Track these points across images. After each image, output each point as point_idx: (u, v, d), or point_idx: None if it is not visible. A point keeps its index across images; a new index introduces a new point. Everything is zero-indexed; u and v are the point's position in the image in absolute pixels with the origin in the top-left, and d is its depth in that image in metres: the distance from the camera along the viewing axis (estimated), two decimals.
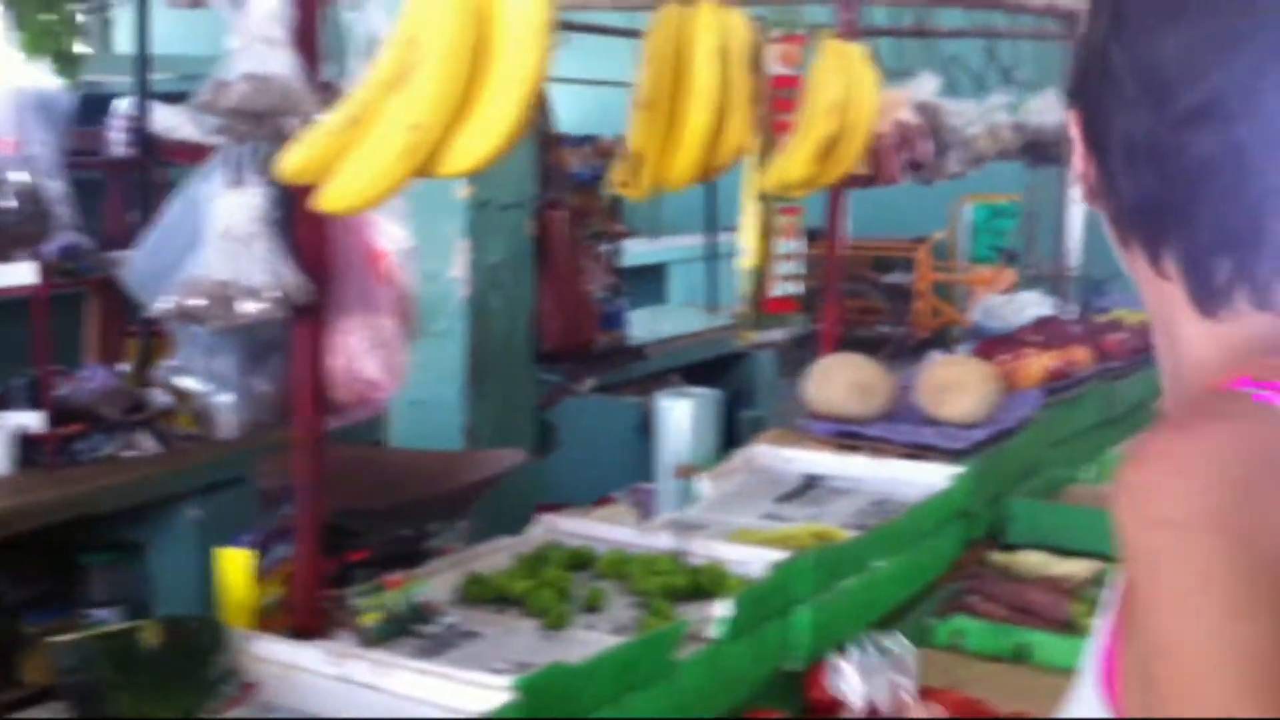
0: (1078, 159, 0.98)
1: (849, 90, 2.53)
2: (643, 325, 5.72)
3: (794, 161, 2.54)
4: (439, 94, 1.45)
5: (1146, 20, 0.90)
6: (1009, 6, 4.22)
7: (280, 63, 1.77)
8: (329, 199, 1.57)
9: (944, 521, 2.87)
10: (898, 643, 1.18)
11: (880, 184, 3.30)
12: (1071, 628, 2.65)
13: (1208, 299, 0.94)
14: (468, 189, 3.38)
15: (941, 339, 8.67)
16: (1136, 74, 0.91)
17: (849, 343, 9.88)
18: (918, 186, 4.04)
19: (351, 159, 1.49)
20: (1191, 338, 0.97)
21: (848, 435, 3.10)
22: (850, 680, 1.18)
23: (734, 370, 6.03)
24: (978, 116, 3.86)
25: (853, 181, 3.19)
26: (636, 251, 7.73)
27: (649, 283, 8.09)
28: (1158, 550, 0.84)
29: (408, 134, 1.46)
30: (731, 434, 3.88)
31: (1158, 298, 0.98)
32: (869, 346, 9.47)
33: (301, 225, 1.84)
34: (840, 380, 3.13)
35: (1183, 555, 0.83)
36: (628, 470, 3.47)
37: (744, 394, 5.92)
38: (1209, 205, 0.91)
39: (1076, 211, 7.32)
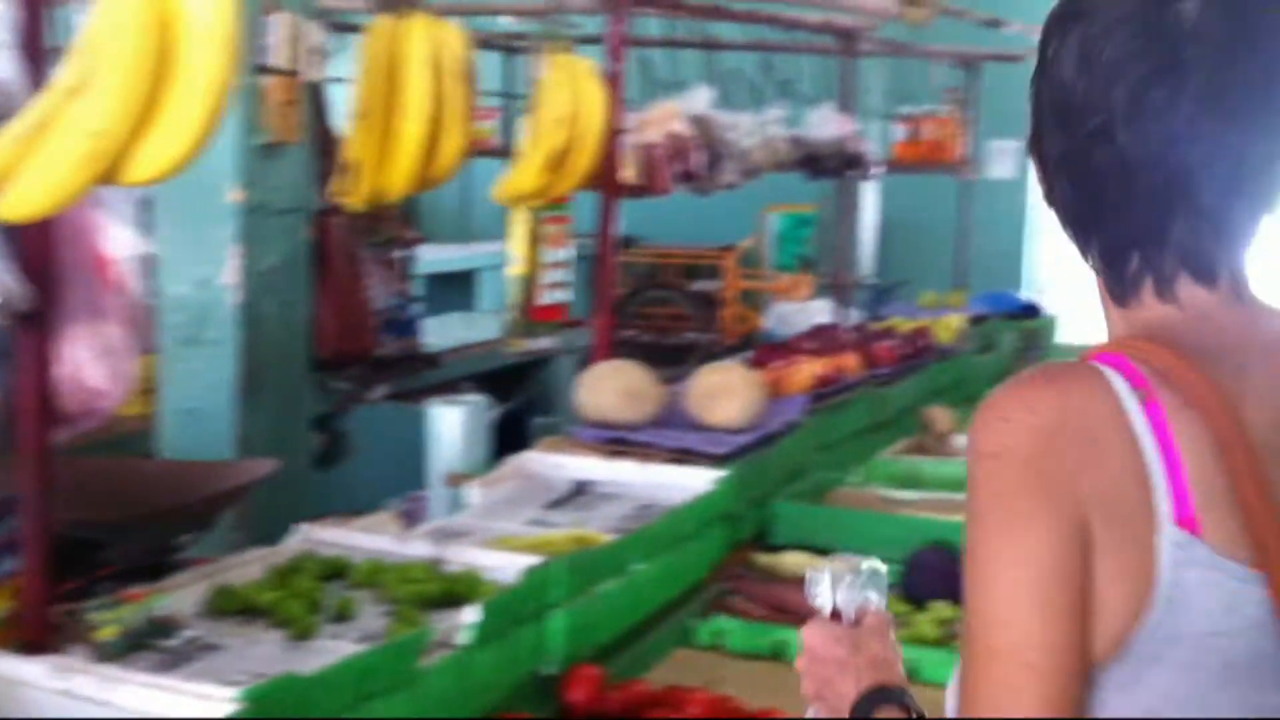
0: (1037, 175, 1.16)
1: (576, 103, 2.58)
2: (445, 332, 5.70)
3: (525, 173, 2.58)
4: (120, 100, 1.44)
5: (1058, 60, 1.09)
6: (785, 22, 4.34)
7: (3, 66, 1.73)
8: (9, 205, 1.54)
9: (707, 524, 2.94)
10: (873, 564, 1.30)
11: (653, 194, 3.36)
12: None
13: (1119, 289, 1.11)
14: (240, 193, 3.32)
15: (748, 345, 8.81)
16: (1053, 104, 1.10)
17: (657, 349, 9.99)
18: (729, 196, 4.12)
19: (32, 165, 1.47)
20: (1114, 321, 1.13)
21: (617, 441, 3.14)
22: (823, 590, 1.28)
23: (533, 377, 6.07)
24: (754, 129, 3.95)
25: (624, 191, 3.24)
26: (444, 258, 7.71)
27: (457, 289, 8.06)
28: (975, 476, 1.03)
29: (89, 140, 1.44)
30: (524, 441, 3.90)
31: (1096, 287, 1.15)
32: (677, 353, 9.62)
33: (24, 231, 1.80)
34: (610, 387, 3.18)
35: (989, 478, 1.02)
36: (417, 479, 3.46)
37: (542, 400, 5.95)
38: (1111, 210, 1.08)
39: (868, 222, 7.57)
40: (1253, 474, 0.99)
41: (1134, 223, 1.08)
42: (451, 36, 2.08)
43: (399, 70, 1.99)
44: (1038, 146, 1.13)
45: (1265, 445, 1.02)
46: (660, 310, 10.65)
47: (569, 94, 2.58)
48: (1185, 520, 0.98)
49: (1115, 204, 1.08)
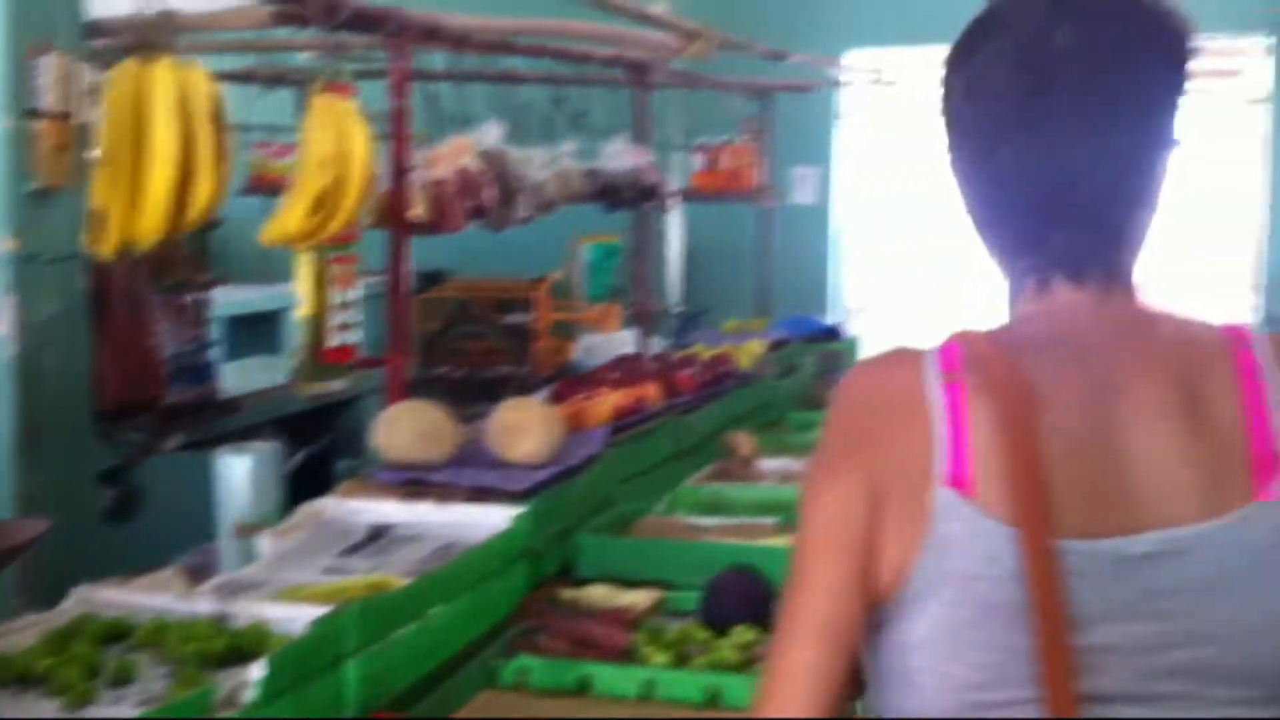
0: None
1: (340, 144, 2.55)
2: (247, 376, 5.55)
3: (290, 216, 2.55)
4: None
5: (951, 91, 1.28)
6: (575, 56, 4.37)
7: None
8: None
9: (507, 561, 2.91)
10: None
11: (444, 231, 3.33)
12: (630, 656, 2.75)
13: (1012, 288, 1.29)
14: (11, 242, 3.18)
15: (560, 377, 8.82)
16: (950, 129, 1.30)
17: (470, 384, 9.89)
18: (542, 227, 4.10)
19: None
20: (1010, 315, 1.31)
21: (414, 482, 3.10)
22: None
23: (338, 419, 5.96)
24: (546, 163, 3.96)
25: (414, 229, 3.21)
26: (245, 299, 7.50)
27: (261, 331, 7.86)
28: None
29: None
30: (329, 486, 3.82)
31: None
32: (491, 387, 9.55)
33: None
34: (407, 428, 3.14)
35: (818, 444, 1.28)
36: (212, 531, 3.35)
37: (348, 443, 5.85)
38: (1001, 219, 1.28)
39: (673, 251, 7.66)
40: (1028, 449, 1.14)
41: (1020, 230, 1.27)
42: (198, 78, 2.03)
43: (144, 115, 1.93)
44: (950, 166, 1.33)
45: (1072, 427, 1.17)
46: (473, 345, 10.57)
47: (332, 135, 2.55)
48: (958, 482, 1.16)
49: (1004, 214, 1.27)
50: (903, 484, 1.18)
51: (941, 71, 1.31)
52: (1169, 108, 1.24)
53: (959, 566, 1.15)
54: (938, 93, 1.32)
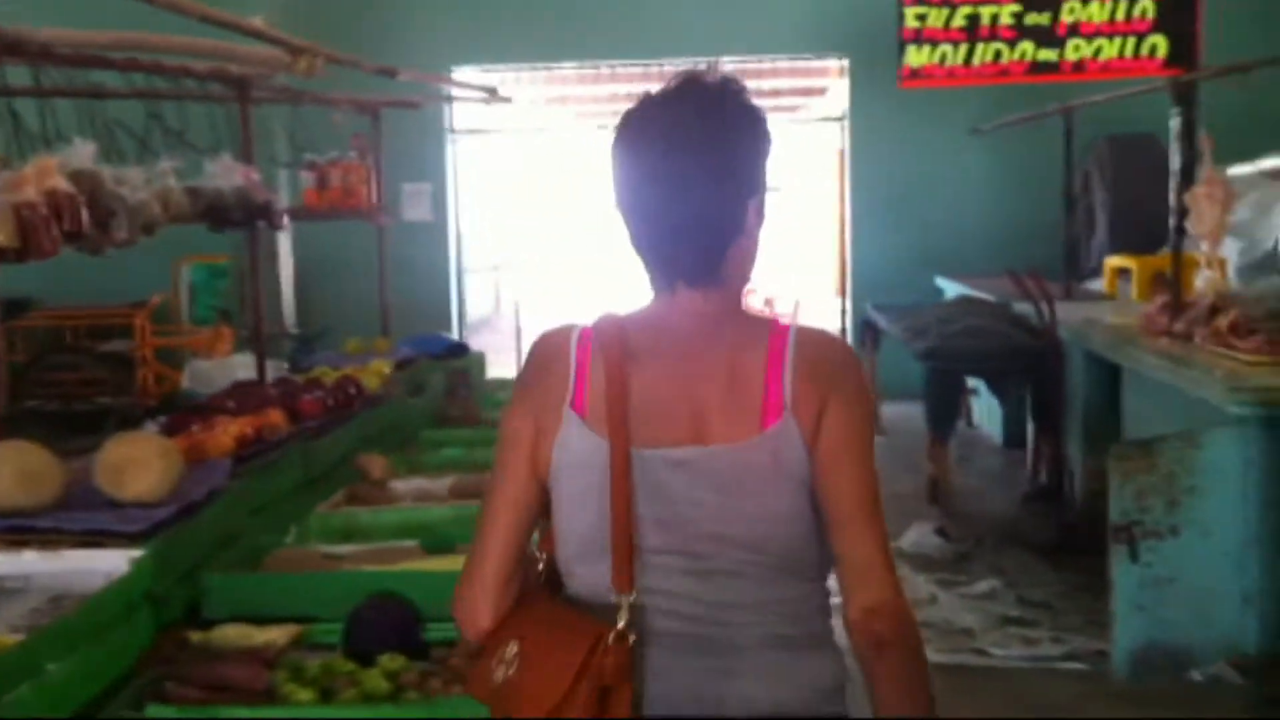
0: None
1: None
2: None
3: None
4: None
5: (614, 151, 1.80)
6: (173, 71, 4.14)
7: None
8: None
9: (129, 608, 2.73)
10: None
11: (35, 257, 3.07)
12: (271, 696, 2.62)
13: (653, 287, 1.83)
14: None
15: (170, 407, 8.38)
16: (613, 177, 1.81)
17: (66, 418, 9.19)
18: (138, 248, 3.84)
19: None
20: (648, 306, 1.85)
21: (17, 530, 2.84)
22: None
23: None
24: (145, 182, 3.73)
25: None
26: None
27: None
28: None
29: None
30: None
31: None
32: (92, 420, 8.94)
33: None
34: (5, 471, 2.87)
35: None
36: None
37: None
38: (642, 240, 1.79)
39: (287, 271, 7.43)
40: (618, 390, 1.74)
41: (657, 249, 1.79)
42: None
43: None
44: (615, 202, 1.83)
45: (655, 378, 1.76)
46: (69, 376, 9.89)
47: None
48: (577, 407, 1.76)
49: (648, 237, 1.79)
50: (551, 408, 1.78)
51: (612, 136, 1.81)
52: (757, 167, 1.80)
53: (574, 459, 1.76)
54: (608, 150, 1.81)
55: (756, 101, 1.81)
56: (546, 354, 1.81)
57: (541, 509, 1.81)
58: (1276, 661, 4.69)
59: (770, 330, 1.77)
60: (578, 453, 1.74)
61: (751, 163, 1.78)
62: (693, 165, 1.73)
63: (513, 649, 1.74)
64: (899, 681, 1.70)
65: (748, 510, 1.71)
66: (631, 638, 1.69)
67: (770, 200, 1.84)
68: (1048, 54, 8.54)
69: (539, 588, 1.83)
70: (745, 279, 1.83)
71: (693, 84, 1.78)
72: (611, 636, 1.68)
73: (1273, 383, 4.63)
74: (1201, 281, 6.07)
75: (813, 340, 1.77)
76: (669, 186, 1.74)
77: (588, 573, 1.75)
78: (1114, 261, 8.99)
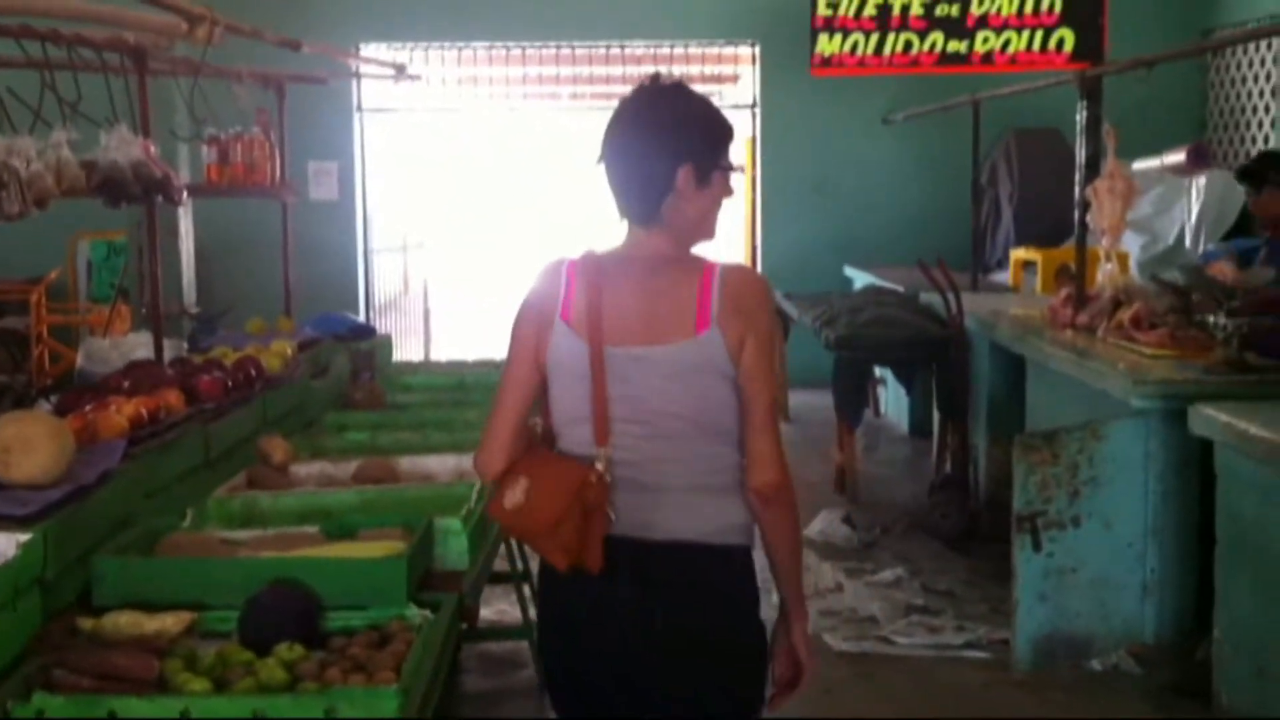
0: None
1: None
2: None
3: None
4: None
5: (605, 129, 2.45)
6: (68, 39, 3.99)
7: None
8: None
9: (17, 593, 2.63)
10: None
11: None
12: (163, 686, 2.54)
13: (625, 228, 2.46)
14: None
15: (64, 386, 8.15)
16: (601, 146, 2.45)
17: None
18: (32, 223, 3.70)
19: None
20: (619, 243, 2.48)
21: None
22: None
23: None
24: (38, 153, 3.59)
25: None
26: None
27: None
28: None
29: None
30: None
31: None
32: None
33: None
34: None
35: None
36: None
37: None
38: (612, 192, 2.43)
39: (187, 249, 7.24)
40: (594, 303, 2.37)
41: (617, 199, 2.43)
42: None
43: None
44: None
45: (613, 296, 2.38)
46: None
47: None
48: (565, 317, 2.39)
49: (613, 190, 2.43)
50: (547, 317, 2.41)
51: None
52: (686, 143, 2.39)
53: (563, 356, 2.40)
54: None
55: (701, 96, 2.46)
56: (544, 278, 2.45)
57: (540, 389, 2.45)
58: (1173, 650, 4.78)
59: (704, 265, 2.42)
60: (565, 350, 2.39)
61: (680, 139, 2.39)
62: (634, 139, 2.40)
63: (523, 483, 2.38)
64: (776, 525, 2.45)
65: (683, 392, 2.36)
66: (607, 477, 2.35)
67: (731, 178, 2.47)
68: (957, 45, 8.64)
69: (538, 443, 2.48)
70: (690, 228, 2.44)
71: (651, 84, 2.45)
72: (594, 476, 2.34)
73: (1174, 376, 4.70)
74: (1102, 275, 6.17)
75: (734, 273, 2.41)
76: (619, 154, 2.41)
77: (573, 434, 2.41)
78: (1019, 254, 9.12)
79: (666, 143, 2.38)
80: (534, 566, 6.56)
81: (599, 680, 2.43)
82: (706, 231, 2.48)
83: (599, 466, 2.35)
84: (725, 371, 2.35)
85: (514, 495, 2.38)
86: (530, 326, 2.43)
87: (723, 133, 2.46)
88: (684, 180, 2.38)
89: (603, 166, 2.44)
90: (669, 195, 2.39)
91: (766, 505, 2.40)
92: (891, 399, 9.57)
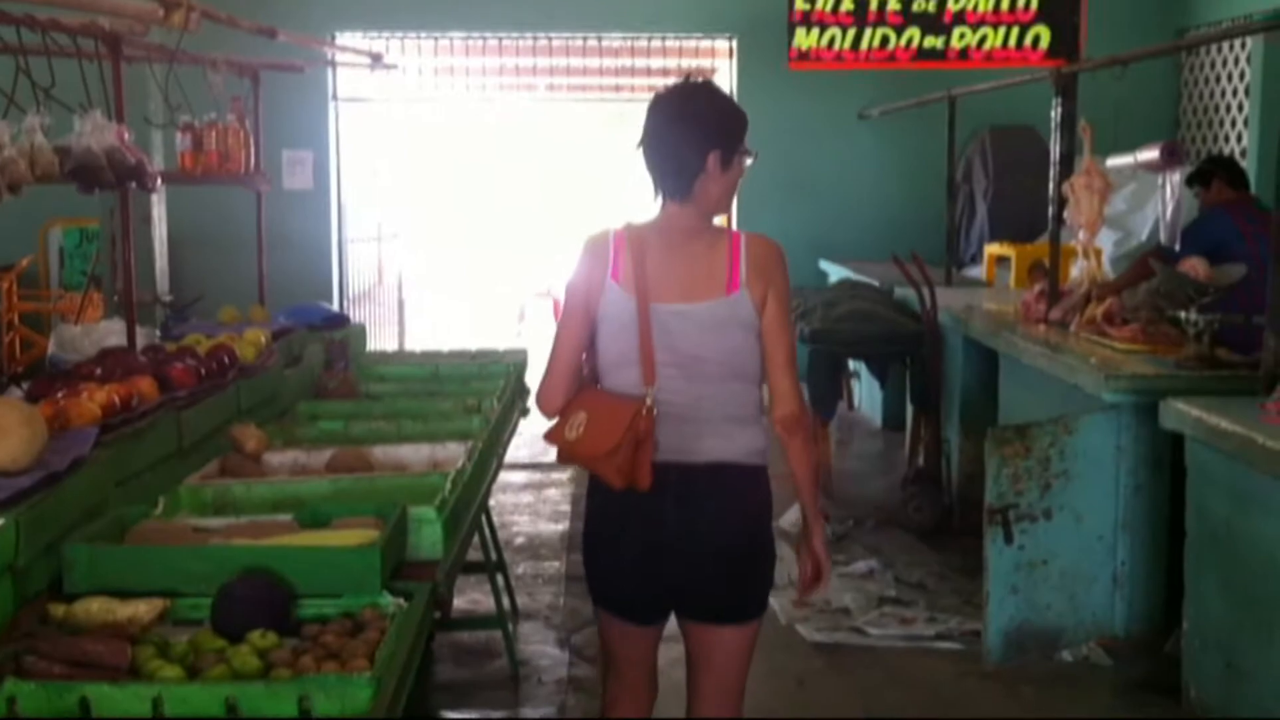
0: None
1: None
2: None
3: None
4: None
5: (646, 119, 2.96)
6: (43, 24, 3.95)
7: None
8: None
9: None
10: None
11: None
12: (135, 673, 2.53)
13: (659, 200, 2.95)
14: None
15: (35, 373, 8.08)
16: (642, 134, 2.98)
17: None
18: (4, 210, 3.66)
19: None
20: (655, 215, 2.99)
21: None
22: None
23: None
24: (10, 139, 3.57)
25: None
26: None
27: None
28: None
29: None
30: None
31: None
32: None
33: None
34: None
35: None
36: None
37: None
38: (650, 173, 2.94)
39: (160, 236, 7.18)
40: (639, 265, 2.85)
41: (654, 178, 2.91)
42: None
43: None
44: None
45: (655, 261, 2.87)
46: None
47: None
48: (614, 276, 2.87)
49: (651, 171, 2.91)
50: (598, 277, 2.87)
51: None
52: (715, 131, 2.88)
53: (613, 310, 2.87)
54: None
55: (724, 93, 2.97)
56: (594, 245, 2.91)
57: (589, 339, 2.92)
58: (1143, 643, 4.82)
59: (730, 235, 2.92)
60: (616, 306, 2.86)
61: (710, 129, 2.87)
62: (669, 126, 2.87)
63: (581, 416, 2.86)
64: (798, 451, 2.95)
65: (716, 341, 2.85)
66: (654, 411, 2.81)
67: (746, 161, 2.95)
68: (933, 41, 8.65)
69: (589, 383, 2.96)
70: (713, 204, 2.91)
71: (685, 81, 2.93)
72: (644, 410, 2.80)
73: (1145, 371, 4.74)
74: (1077, 270, 6.20)
75: (756, 241, 2.91)
76: (659, 140, 2.88)
77: (620, 375, 2.89)
78: (994, 249, 9.16)
79: (698, 132, 2.85)
80: (540, 529, 6.56)
81: (636, 577, 2.93)
82: (725, 206, 2.97)
83: (648, 401, 2.81)
84: (751, 324, 2.85)
85: (574, 427, 2.86)
86: (582, 285, 2.88)
87: (742, 124, 2.94)
88: (713, 163, 2.86)
89: (641, 150, 2.90)
90: (700, 176, 2.86)
91: (788, 432, 2.92)
92: (865, 393, 9.60)
